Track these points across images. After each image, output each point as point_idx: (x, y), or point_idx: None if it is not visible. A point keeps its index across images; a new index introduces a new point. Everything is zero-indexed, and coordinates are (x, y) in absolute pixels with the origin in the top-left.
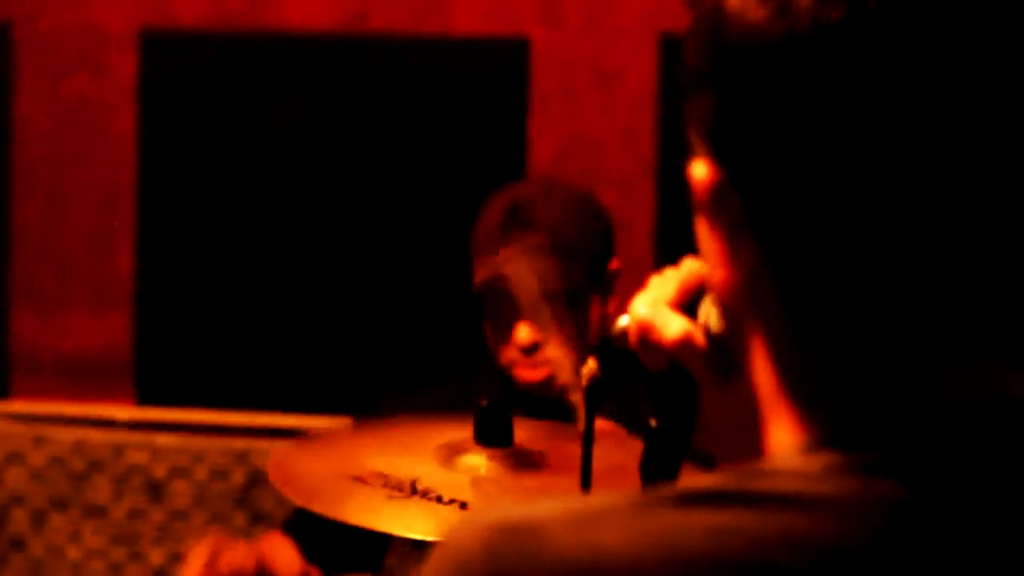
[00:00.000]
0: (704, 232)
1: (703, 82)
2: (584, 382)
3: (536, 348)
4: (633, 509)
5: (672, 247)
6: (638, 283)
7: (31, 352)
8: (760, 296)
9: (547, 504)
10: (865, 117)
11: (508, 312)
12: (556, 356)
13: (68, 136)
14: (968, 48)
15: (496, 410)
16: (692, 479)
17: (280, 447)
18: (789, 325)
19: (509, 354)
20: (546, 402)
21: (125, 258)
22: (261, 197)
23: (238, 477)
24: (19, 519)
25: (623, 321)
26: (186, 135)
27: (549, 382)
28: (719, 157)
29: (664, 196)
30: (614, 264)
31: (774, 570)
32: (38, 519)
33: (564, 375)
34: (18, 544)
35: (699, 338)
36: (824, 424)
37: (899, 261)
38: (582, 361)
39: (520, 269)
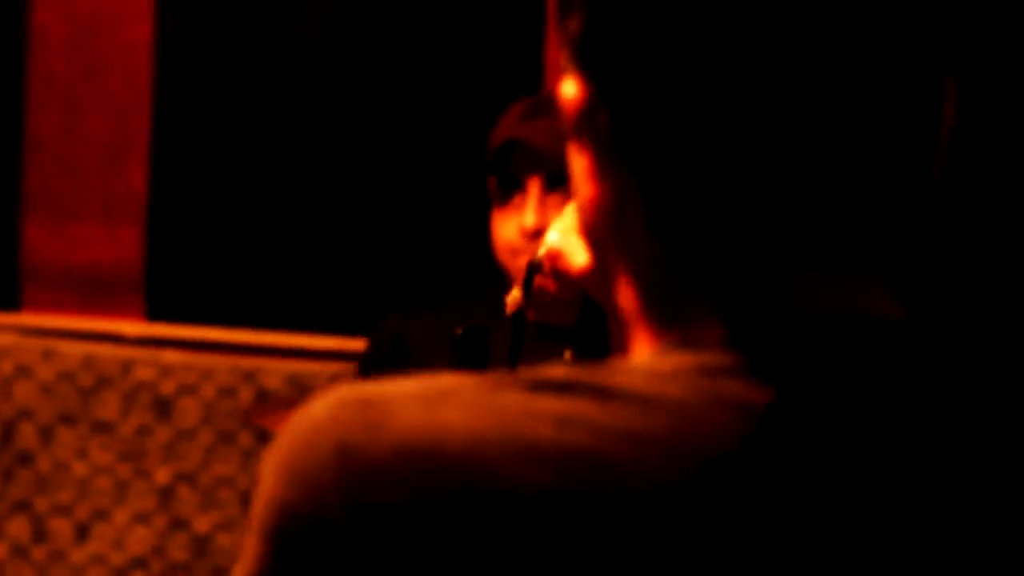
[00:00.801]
0: (573, 153)
1: (572, 2)
2: (509, 311)
3: (540, 233)
4: (482, 389)
5: None
6: None
7: (42, 264)
8: (625, 215)
9: (401, 382)
10: (727, 36)
11: (512, 195)
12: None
13: (84, 47)
14: None
15: (473, 336)
16: (545, 368)
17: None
18: (653, 243)
19: (512, 241)
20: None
21: (138, 173)
22: (276, 112)
23: (246, 396)
24: (27, 433)
25: (541, 252)
26: (202, 47)
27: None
28: (588, 74)
29: None
30: None
31: (611, 464)
32: (45, 434)
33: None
34: (25, 458)
35: None
36: (679, 334)
37: (752, 181)
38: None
39: (532, 140)
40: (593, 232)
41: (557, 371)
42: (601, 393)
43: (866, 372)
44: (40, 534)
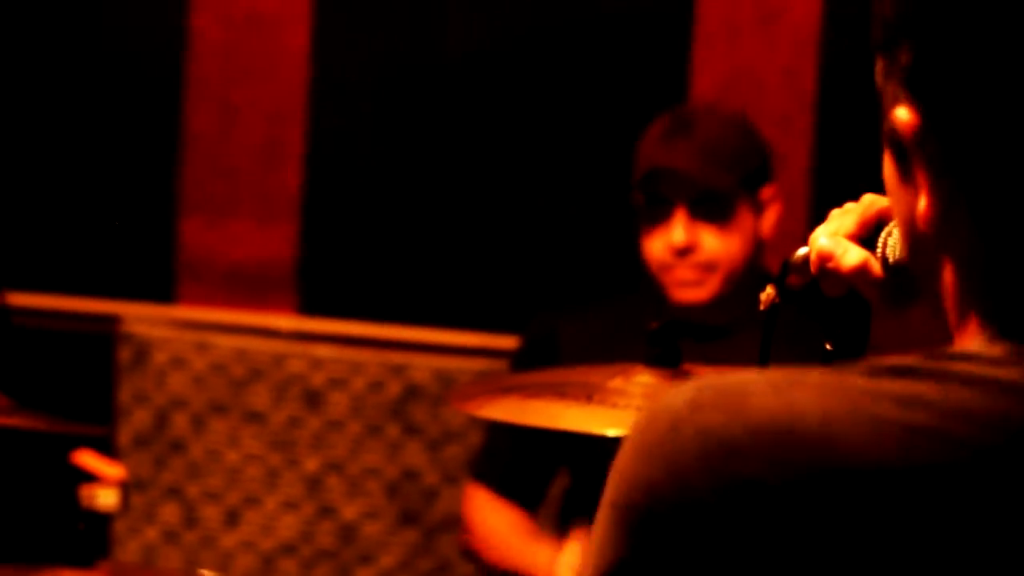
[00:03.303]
0: (894, 169)
1: (903, 33)
2: (763, 306)
3: (688, 251)
4: (827, 376)
5: (828, 182)
6: (794, 214)
7: (198, 260)
8: (952, 222)
9: (747, 373)
10: None
11: (662, 212)
12: (704, 260)
13: (241, 50)
14: None
15: (666, 332)
16: (883, 356)
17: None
18: (977, 246)
19: (662, 257)
20: (696, 325)
21: (293, 172)
22: (428, 113)
23: (394, 389)
24: (180, 422)
25: (802, 251)
26: (358, 52)
27: (701, 301)
28: (919, 102)
29: (822, 132)
30: (771, 189)
31: (956, 441)
32: (198, 423)
33: (712, 280)
34: (178, 447)
35: (875, 267)
36: (1007, 324)
37: None
38: (732, 277)
39: (679, 165)
40: (919, 238)
41: (895, 358)
42: (939, 376)
43: None
44: (191, 520)
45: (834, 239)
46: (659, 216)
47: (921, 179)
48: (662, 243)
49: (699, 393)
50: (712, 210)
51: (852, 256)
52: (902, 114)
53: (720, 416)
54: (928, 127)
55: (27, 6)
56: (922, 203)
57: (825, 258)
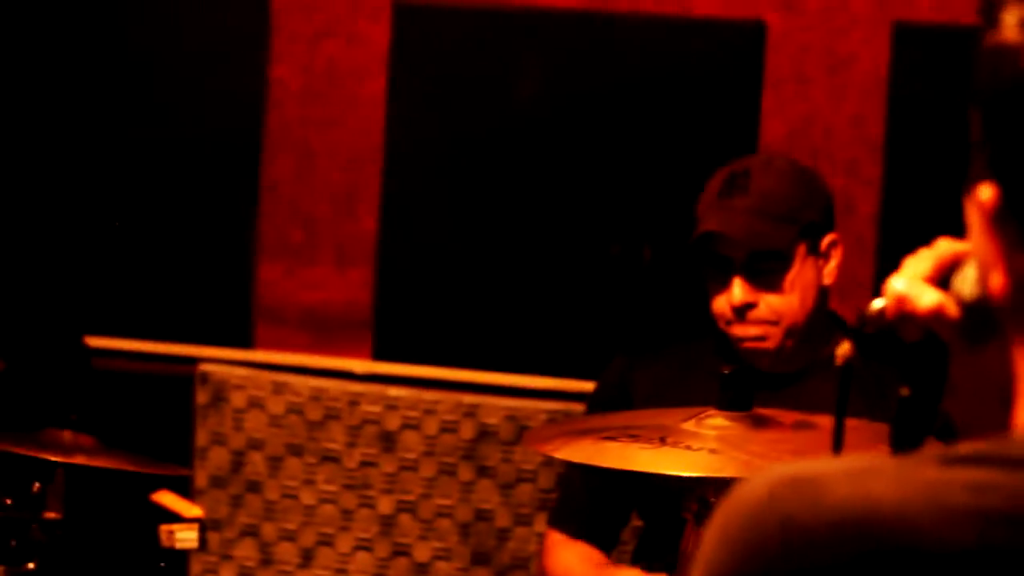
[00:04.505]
0: (980, 236)
1: (998, 111)
2: (839, 362)
3: (747, 308)
4: (900, 465)
5: (896, 228)
6: (861, 260)
7: (275, 305)
8: None
9: (823, 461)
10: None
11: (721, 272)
12: (766, 316)
13: (319, 99)
14: None
15: (738, 376)
16: (953, 446)
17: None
18: None
19: (724, 313)
20: (765, 373)
21: (369, 218)
22: (500, 164)
23: (467, 431)
24: (257, 463)
25: (878, 303)
26: (432, 102)
27: (767, 352)
28: (1000, 182)
29: (890, 179)
30: (831, 236)
31: None
32: (274, 464)
33: (775, 334)
34: (255, 486)
35: (952, 308)
36: None
37: None
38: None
39: (731, 228)
40: (1007, 307)
41: (965, 447)
42: (1009, 463)
43: None
44: (267, 559)
45: (910, 283)
46: (719, 274)
47: (999, 254)
48: (723, 300)
49: (776, 483)
50: (770, 267)
51: (929, 298)
52: (984, 193)
53: (800, 507)
54: (1007, 206)
55: (111, 56)
56: (997, 277)
57: (902, 302)
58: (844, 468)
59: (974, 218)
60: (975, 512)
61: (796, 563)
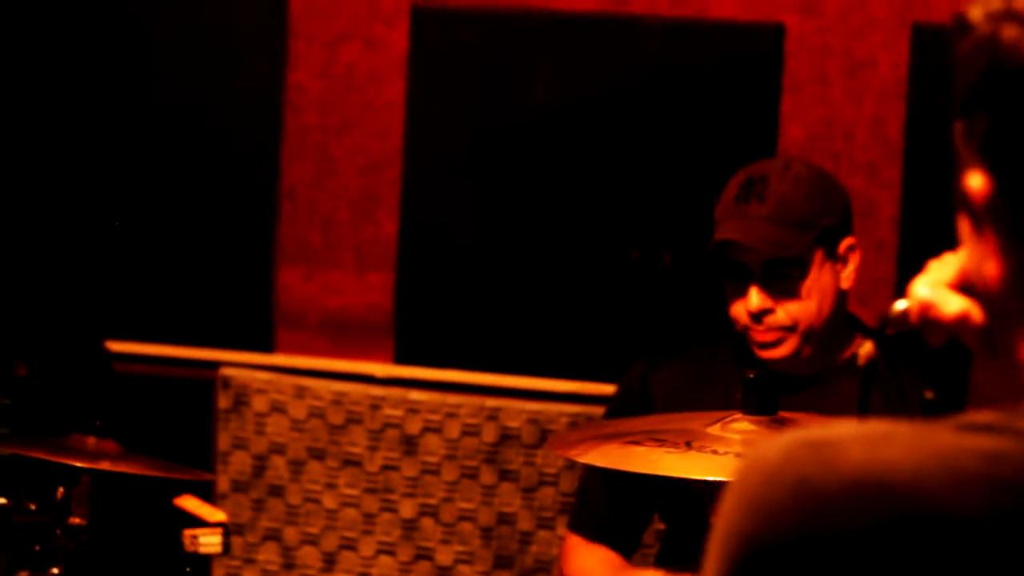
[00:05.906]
0: (969, 231)
1: (979, 103)
2: (861, 362)
3: (764, 314)
4: (916, 431)
5: (916, 230)
6: (883, 262)
7: (296, 309)
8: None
9: (840, 426)
10: None
11: (738, 278)
12: (784, 321)
13: (338, 103)
14: None
15: (762, 380)
16: (967, 414)
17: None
18: None
19: (742, 319)
20: (786, 376)
21: (389, 223)
22: (518, 168)
23: (488, 435)
24: (279, 467)
25: (900, 305)
26: (451, 106)
27: (784, 357)
28: (993, 169)
29: (909, 182)
30: (849, 240)
31: None
32: (297, 468)
33: (792, 339)
34: (277, 490)
35: (976, 315)
36: None
37: None
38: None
39: (747, 236)
40: (994, 298)
41: (980, 416)
42: (1020, 434)
43: None
44: (289, 563)
45: (934, 289)
46: (736, 281)
47: (991, 243)
48: (741, 306)
49: (793, 445)
50: (787, 273)
51: (953, 305)
52: (975, 180)
53: (815, 469)
54: (1001, 193)
55: (128, 61)
56: (992, 266)
57: (927, 308)
58: (860, 433)
59: (964, 227)
60: (987, 479)
61: (810, 524)
